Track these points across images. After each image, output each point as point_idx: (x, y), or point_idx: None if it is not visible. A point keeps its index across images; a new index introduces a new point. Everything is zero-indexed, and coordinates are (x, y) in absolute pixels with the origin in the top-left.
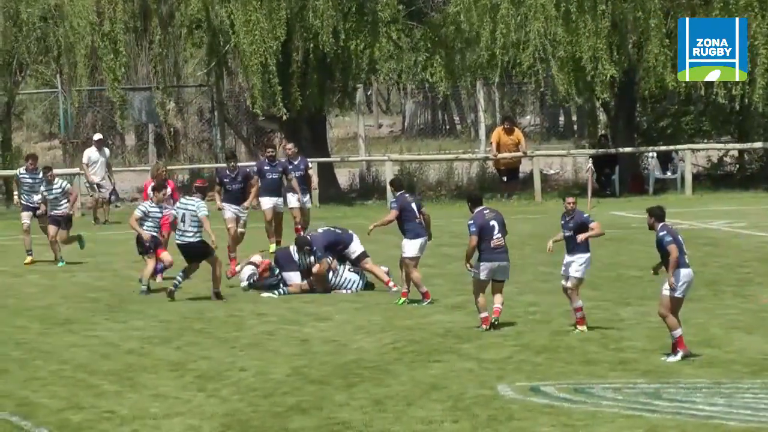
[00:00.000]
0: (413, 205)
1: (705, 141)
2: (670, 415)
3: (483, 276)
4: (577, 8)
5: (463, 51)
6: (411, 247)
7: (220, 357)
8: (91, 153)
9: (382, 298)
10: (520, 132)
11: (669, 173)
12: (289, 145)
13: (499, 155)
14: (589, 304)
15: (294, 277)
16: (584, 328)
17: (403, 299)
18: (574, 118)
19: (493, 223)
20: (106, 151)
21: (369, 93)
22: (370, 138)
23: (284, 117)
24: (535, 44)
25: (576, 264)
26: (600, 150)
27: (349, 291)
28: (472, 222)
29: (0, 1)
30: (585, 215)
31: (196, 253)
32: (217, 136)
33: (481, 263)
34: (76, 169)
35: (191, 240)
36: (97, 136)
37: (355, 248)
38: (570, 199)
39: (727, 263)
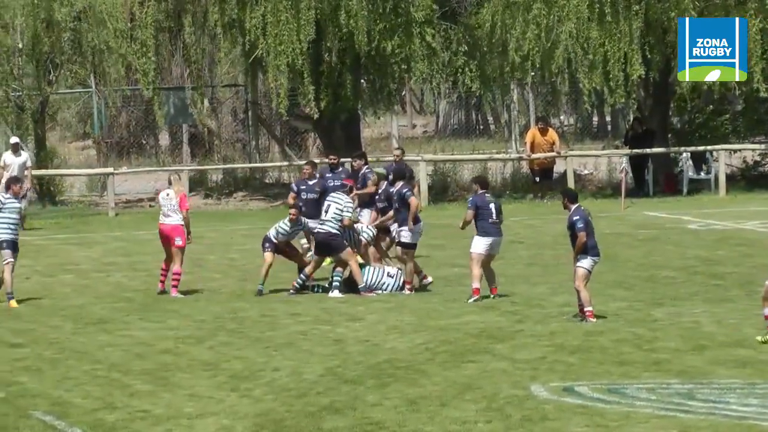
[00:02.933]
0: (491, 205)
1: (740, 141)
2: (703, 415)
3: (481, 249)
4: (611, 8)
5: (497, 51)
6: (478, 244)
7: (254, 357)
8: (6, 156)
9: (414, 299)
10: (554, 132)
11: (703, 174)
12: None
13: (533, 155)
14: (622, 305)
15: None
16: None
17: (475, 297)
18: (608, 118)
19: (491, 206)
20: (24, 154)
21: (403, 93)
22: (404, 138)
23: (315, 117)
24: (566, 45)
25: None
26: (632, 139)
27: (384, 292)
28: (471, 200)
29: (33, 1)
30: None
31: (327, 247)
32: (250, 136)
33: (479, 237)
34: (110, 169)
35: (328, 229)
36: (14, 140)
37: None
38: None
39: (762, 263)
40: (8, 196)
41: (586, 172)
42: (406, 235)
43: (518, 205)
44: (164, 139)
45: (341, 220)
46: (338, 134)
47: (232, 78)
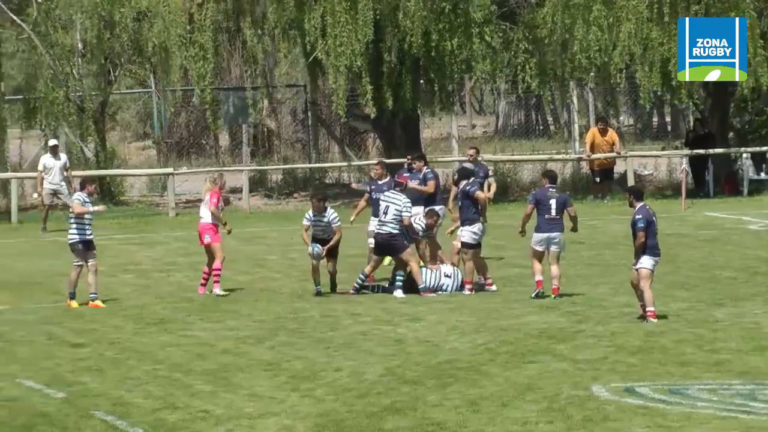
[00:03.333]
0: (552, 201)
1: None
2: (765, 416)
3: (538, 246)
4: (670, 8)
5: (557, 51)
6: (534, 239)
7: (315, 357)
8: (46, 160)
9: (474, 299)
10: (614, 132)
11: (763, 174)
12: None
13: (593, 156)
14: (683, 305)
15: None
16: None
17: (537, 290)
18: (668, 119)
19: (551, 201)
20: (63, 156)
21: (462, 93)
22: (463, 138)
23: (372, 116)
24: (626, 45)
25: None
26: (693, 140)
27: (444, 293)
28: (532, 194)
29: (94, 2)
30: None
31: (388, 247)
32: (310, 136)
33: (534, 232)
34: (170, 169)
35: (389, 230)
36: (53, 142)
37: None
38: None
39: None
40: (85, 195)
41: (646, 172)
42: (466, 235)
43: (578, 206)
44: (224, 139)
45: (401, 220)
46: (398, 134)
47: (291, 78)
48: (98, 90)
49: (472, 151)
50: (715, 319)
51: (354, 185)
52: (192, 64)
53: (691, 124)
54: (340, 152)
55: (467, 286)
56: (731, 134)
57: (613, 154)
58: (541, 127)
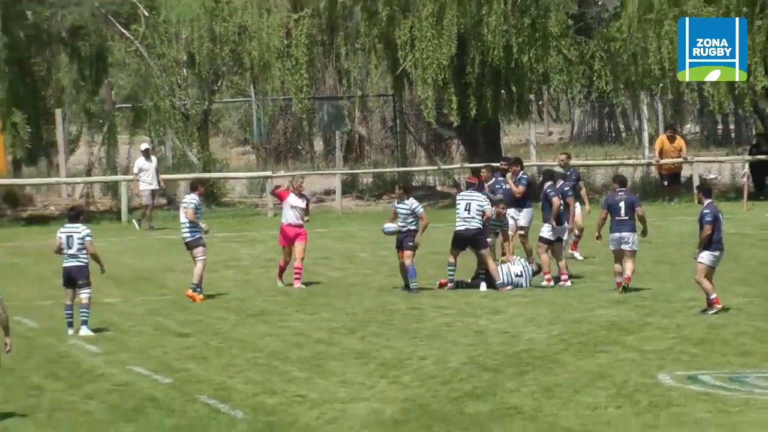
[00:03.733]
0: (621, 203)
1: None
2: None
3: (611, 246)
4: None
5: (630, 63)
6: (610, 242)
7: (402, 346)
8: (140, 162)
9: (550, 293)
10: (681, 139)
11: None
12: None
13: (662, 161)
14: (744, 300)
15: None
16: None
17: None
18: (732, 126)
19: (621, 204)
20: (154, 158)
21: (540, 103)
22: (541, 144)
23: (455, 124)
24: None
25: None
26: (756, 155)
27: (522, 287)
28: (604, 200)
29: (198, 17)
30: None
31: (474, 242)
32: (398, 142)
33: (610, 234)
34: (268, 172)
35: (477, 226)
36: (144, 146)
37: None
38: None
39: None
40: (198, 198)
41: (711, 176)
42: (544, 230)
43: (648, 208)
44: (318, 145)
45: (483, 213)
46: (480, 141)
47: (381, 88)
48: (202, 99)
49: (563, 156)
50: None
51: (438, 187)
52: (289, 76)
53: (755, 139)
54: (426, 157)
55: (546, 276)
56: None
57: (680, 160)
58: (614, 134)
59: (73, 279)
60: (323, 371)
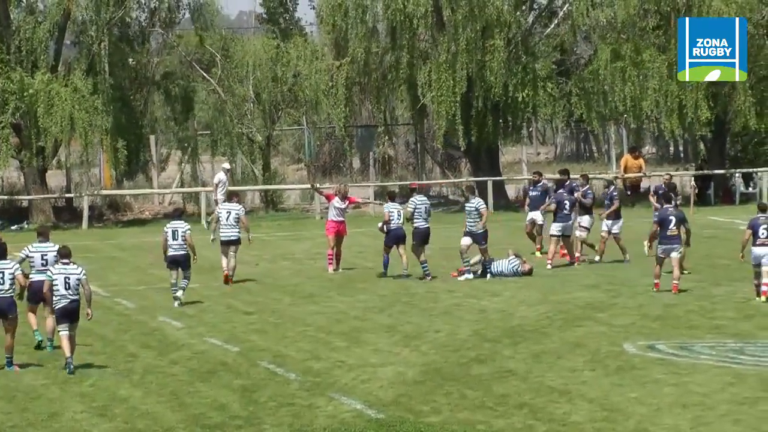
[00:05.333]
0: (671, 218)
1: None
2: (751, 366)
3: (659, 253)
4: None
5: (600, 99)
6: (657, 250)
7: (420, 322)
8: (221, 176)
9: (537, 281)
10: (642, 159)
11: (750, 188)
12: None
13: (626, 175)
14: (692, 285)
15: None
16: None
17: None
18: (681, 148)
19: (671, 218)
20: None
21: (530, 129)
22: (531, 162)
23: (462, 148)
24: (652, 97)
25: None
26: (699, 171)
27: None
28: (656, 214)
29: (262, 62)
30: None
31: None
32: (418, 160)
33: (659, 245)
34: (317, 184)
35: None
36: (226, 166)
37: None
38: None
39: None
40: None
41: (615, 192)
42: (554, 227)
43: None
44: (356, 162)
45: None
46: (483, 160)
47: (405, 118)
48: (265, 127)
49: (535, 174)
50: (714, 295)
51: (450, 196)
52: (332, 110)
53: (702, 157)
54: (441, 172)
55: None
56: (726, 160)
57: (641, 174)
58: (588, 154)
59: (178, 263)
60: (359, 342)
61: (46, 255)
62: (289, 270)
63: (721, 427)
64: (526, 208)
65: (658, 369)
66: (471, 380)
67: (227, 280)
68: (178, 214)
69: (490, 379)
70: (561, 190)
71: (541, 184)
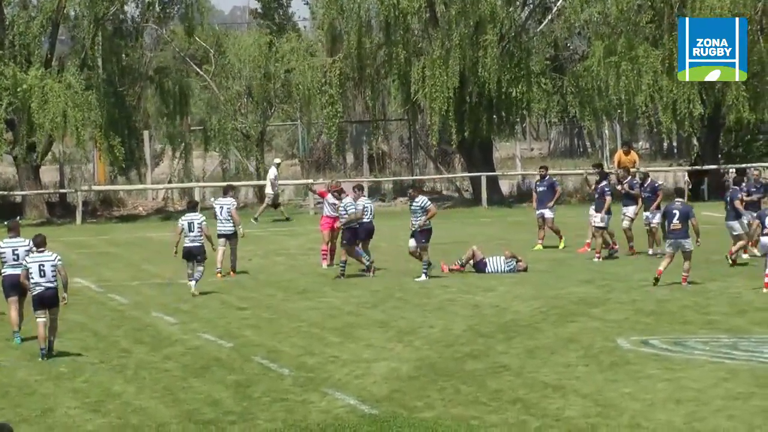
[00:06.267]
0: (675, 211)
1: None
2: (744, 361)
3: (668, 249)
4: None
5: (594, 95)
6: (666, 246)
7: (414, 317)
8: (274, 171)
9: (533, 276)
10: (635, 153)
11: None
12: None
13: (619, 170)
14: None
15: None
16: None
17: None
18: (674, 143)
19: (675, 211)
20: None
21: (524, 125)
22: (524, 158)
23: (454, 144)
24: (646, 92)
25: None
26: (694, 167)
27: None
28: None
29: (255, 58)
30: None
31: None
32: (412, 156)
33: (666, 240)
34: (310, 180)
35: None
36: (277, 160)
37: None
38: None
39: None
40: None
41: (659, 183)
42: (598, 219)
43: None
44: (350, 158)
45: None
46: (476, 155)
47: (398, 113)
48: (258, 123)
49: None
50: (708, 290)
51: (444, 192)
52: (325, 106)
53: (695, 154)
54: (434, 168)
55: (596, 256)
56: (720, 155)
57: (634, 170)
58: (581, 149)
59: (194, 255)
60: (352, 337)
61: (17, 250)
62: (282, 265)
63: (714, 422)
64: (534, 203)
65: (652, 364)
66: (465, 375)
67: (225, 274)
68: (194, 205)
69: (483, 374)
70: (604, 183)
71: (547, 178)
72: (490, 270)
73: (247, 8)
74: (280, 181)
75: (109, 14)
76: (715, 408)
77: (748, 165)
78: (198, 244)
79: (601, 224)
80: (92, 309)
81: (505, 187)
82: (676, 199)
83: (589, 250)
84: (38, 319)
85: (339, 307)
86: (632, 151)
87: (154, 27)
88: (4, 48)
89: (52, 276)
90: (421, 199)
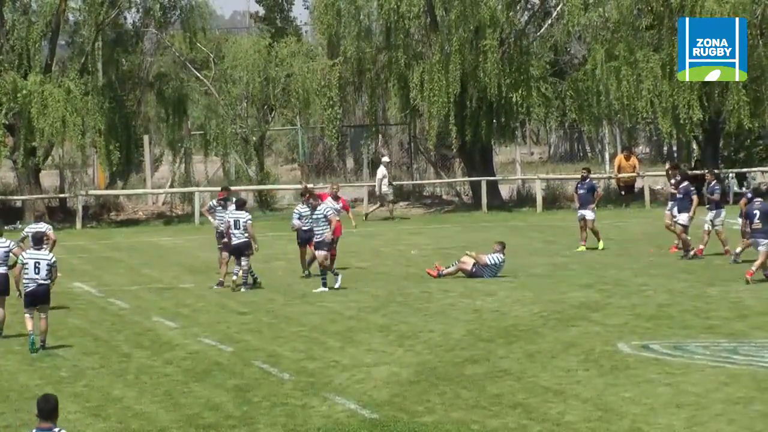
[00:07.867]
0: (755, 212)
1: None
2: (745, 366)
3: (738, 249)
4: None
5: (594, 100)
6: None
7: (415, 322)
8: (383, 170)
9: (532, 281)
10: (635, 158)
11: (744, 188)
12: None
13: (620, 175)
14: (686, 285)
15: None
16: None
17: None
18: (675, 148)
19: (756, 211)
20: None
21: (524, 129)
22: (524, 162)
23: (454, 149)
24: (646, 97)
25: None
26: (695, 171)
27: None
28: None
29: (255, 63)
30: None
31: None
32: (411, 160)
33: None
34: (310, 185)
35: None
36: (386, 159)
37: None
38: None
39: None
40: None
41: (658, 187)
42: (683, 218)
43: (607, 212)
44: (350, 162)
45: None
46: (477, 159)
47: (398, 118)
48: (258, 127)
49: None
50: (708, 294)
51: (444, 196)
52: (325, 110)
53: (693, 163)
54: (435, 172)
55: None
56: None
57: (634, 174)
58: (581, 154)
59: (241, 251)
60: (353, 341)
61: None
62: (283, 270)
63: (715, 426)
64: (576, 204)
65: (653, 369)
66: (465, 380)
67: (224, 285)
68: (241, 204)
69: (484, 378)
70: (686, 183)
71: (587, 180)
72: (490, 263)
73: (247, 13)
74: (280, 186)
75: (109, 20)
76: (716, 412)
77: (749, 170)
78: (244, 241)
79: (686, 223)
80: (93, 313)
81: (504, 191)
82: (756, 200)
83: (677, 251)
84: (26, 315)
85: (339, 311)
86: (632, 156)
87: (154, 32)
88: (4, 53)
89: (46, 274)
90: (324, 207)
